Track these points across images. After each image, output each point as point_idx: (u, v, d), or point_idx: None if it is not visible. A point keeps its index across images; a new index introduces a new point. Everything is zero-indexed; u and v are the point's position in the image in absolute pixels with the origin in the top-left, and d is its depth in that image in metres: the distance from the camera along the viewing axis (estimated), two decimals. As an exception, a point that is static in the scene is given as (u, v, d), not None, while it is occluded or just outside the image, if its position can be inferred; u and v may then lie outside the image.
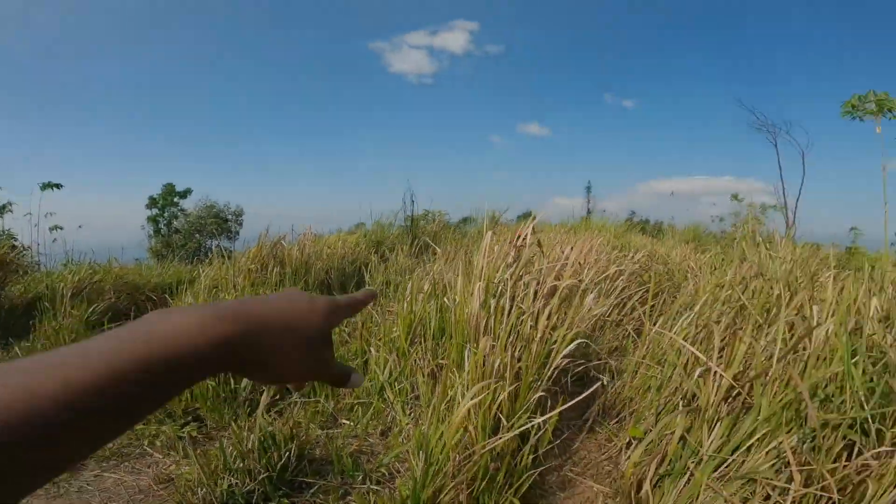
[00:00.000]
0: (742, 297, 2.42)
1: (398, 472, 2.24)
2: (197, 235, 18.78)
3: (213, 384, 2.78)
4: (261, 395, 2.39)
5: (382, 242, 8.49)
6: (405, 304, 2.92)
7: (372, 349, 3.10)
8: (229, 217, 20.42)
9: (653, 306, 3.38)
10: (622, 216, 13.68)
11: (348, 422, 2.65)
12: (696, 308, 2.48)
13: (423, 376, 2.68)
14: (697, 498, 1.82)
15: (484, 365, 2.02)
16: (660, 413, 2.33)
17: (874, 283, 2.39)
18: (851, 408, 1.62)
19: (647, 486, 1.96)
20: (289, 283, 5.19)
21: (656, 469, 2.01)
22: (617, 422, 2.71)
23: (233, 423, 2.30)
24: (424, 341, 2.88)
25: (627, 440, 2.30)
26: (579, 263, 2.97)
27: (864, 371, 1.75)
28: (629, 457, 2.09)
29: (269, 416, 2.67)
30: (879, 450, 1.54)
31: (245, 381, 2.79)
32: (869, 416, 1.61)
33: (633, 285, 3.80)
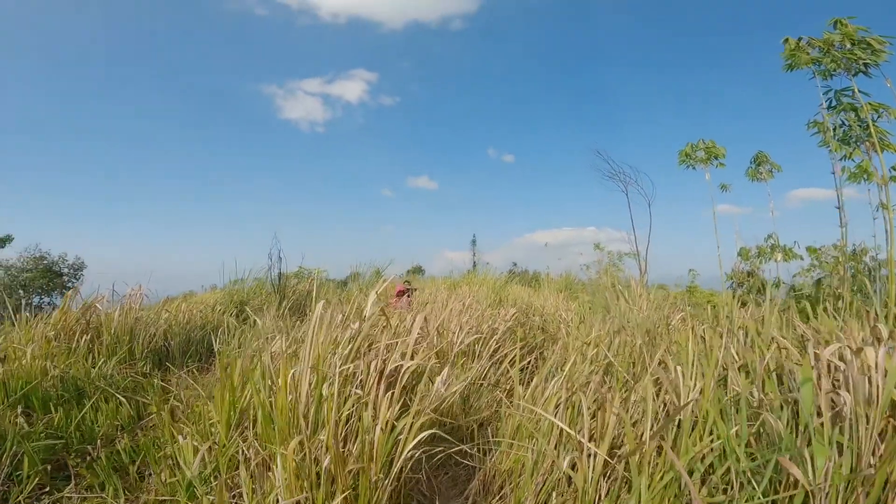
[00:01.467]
0: (608, 355, 2.25)
1: None
2: (21, 291, 15.53)
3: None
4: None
5: (247, 302, 7.47)
6: (226, 389, 2.25)
7: (181, 437, 2.36)
8: (65, 271, 17.07)
9: (526, 366, 3.14)
10: (505, 268, 14.16)
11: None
12: (566, 369, 2.24)
13: (248, 470, 2.03)
14: None
15: (303, 462, 1.49)
16: (539, 492, 1.98)
17: (725, 328, 2.38)
18: (740, 491, 1.38)
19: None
20: (104, 355, 4.07)
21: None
22: (499, 499, 2.31)
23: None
24: (253, 427, 2.24)
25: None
26: (438, 332, 2.63)
27: (745, 442, 1.57)
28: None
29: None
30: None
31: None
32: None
33: (509, 342, 3.56)
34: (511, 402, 2.55)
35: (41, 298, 15.08)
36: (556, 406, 2.06)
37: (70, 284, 17.27)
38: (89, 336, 4.19)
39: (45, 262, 16.32)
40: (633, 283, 4.71)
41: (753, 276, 8.81)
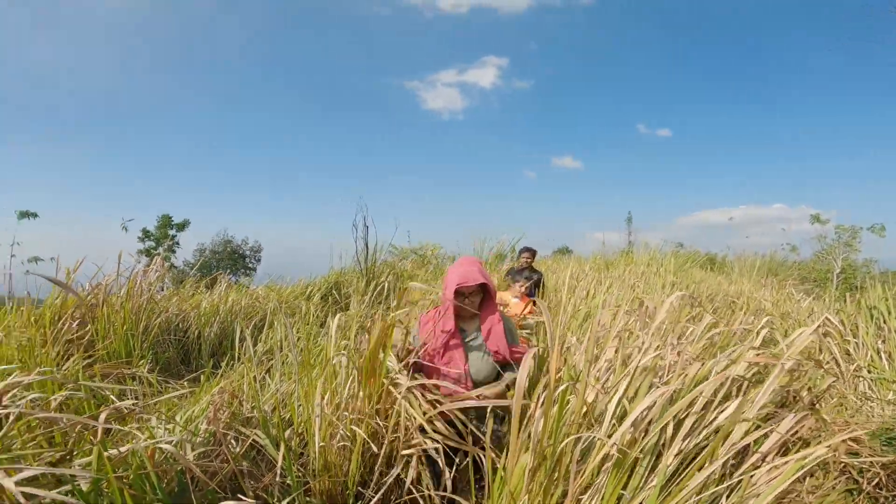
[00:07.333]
0: None
1: None
2: (214, 271, 17.43)
3: None
4: None
5: (342, 285, 6.03)
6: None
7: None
8: (247, 253, 18.91)
9: None
10: (666, 249, 10.47)
11: None
12: None
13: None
14: None
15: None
16: None
17: None
18: None
19: None
20: (102, 350, 2.84)
21: None
22: None
23: None
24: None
25: None
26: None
27: None
28: None
29: None
30: None
31: None
32: None
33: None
34: None
35: (229, 277, 16.83)
36: None
37: (251, 265, 19.19)
38: (72, 324, 3.01)
39: (230, 245, 18.26)
40: None
41: None
